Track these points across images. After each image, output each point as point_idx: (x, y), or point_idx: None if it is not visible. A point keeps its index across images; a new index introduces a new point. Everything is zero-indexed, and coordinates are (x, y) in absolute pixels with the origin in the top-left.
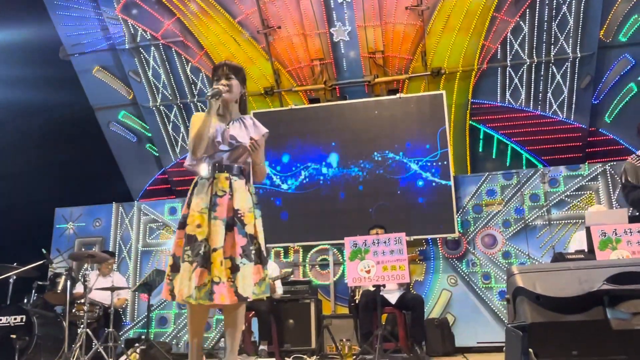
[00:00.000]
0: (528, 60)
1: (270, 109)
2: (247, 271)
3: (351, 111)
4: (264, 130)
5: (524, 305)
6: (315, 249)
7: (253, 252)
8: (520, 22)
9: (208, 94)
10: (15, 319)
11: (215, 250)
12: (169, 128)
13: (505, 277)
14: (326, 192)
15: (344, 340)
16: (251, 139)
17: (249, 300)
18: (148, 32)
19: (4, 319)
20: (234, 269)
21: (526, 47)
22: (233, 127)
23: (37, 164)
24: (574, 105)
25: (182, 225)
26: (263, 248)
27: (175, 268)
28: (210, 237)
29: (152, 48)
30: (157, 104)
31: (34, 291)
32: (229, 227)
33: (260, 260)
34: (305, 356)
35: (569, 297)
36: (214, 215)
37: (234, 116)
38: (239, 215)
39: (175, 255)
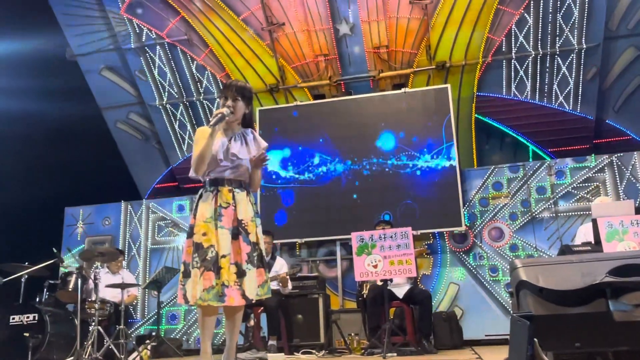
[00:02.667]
0: (533, 52)
1: (276, 105)
2: (252, 275)
3: (356, 106)
4: (264, 144)
5: (527, 298)
6: (322, 244)
7: (255, 257)
8: (525, 14)
9: (211, 122)
10: (28, 317)
11: (224, 256)
12: (176, 126)
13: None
14: (332, 188)
15: (352, 334)
16: (253, 157)
17: (252, 302)
18: (153, 31)
19: (17, 318)
20: (241, 274)
21: (531, 39)
22: (235, 144)
23: (46, 164)
24: (580, 97)
25: (190, 234)
26: (264, 253)
27: (186, 274)
28: (217, 245)
29: (158, 47)
30: (164, 102)
31: (45, 290)
32: (235, 235)
33: (262, 264)
34: (314, 351)
35: (571, 289)
36: (219, 224)
37: (236, 130)
38: (243, 225)
39: (186, 262)
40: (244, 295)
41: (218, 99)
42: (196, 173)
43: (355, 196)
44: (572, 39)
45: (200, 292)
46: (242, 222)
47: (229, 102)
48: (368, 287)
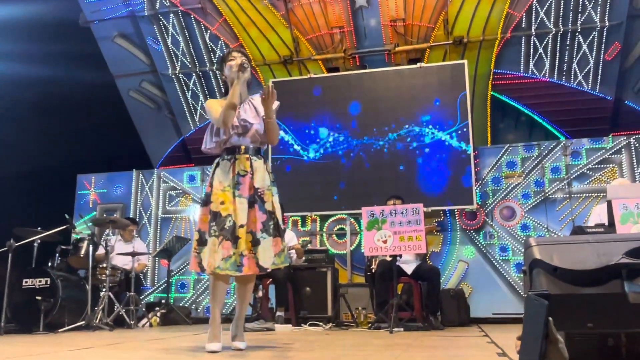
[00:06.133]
0: (554, 29)
1: (289, 77)
2: (266, 244)
3: (371, 80)
4: (276, 103)
5: (540, 277)
6: (332, 218)
7: (272, 226)
8: None
9: (237, 67)
10: (40, 281)
11: (242, 226)
12: (188, 96)
13: (523, 250)
14: (344, 162)
15: (360, 308)
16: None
17: (268, 270)
18: None
19: (29, 281)
20: (255, 243)
21: (552, 16)
22: (243, 111)
23: (59, 131)
24: (599, 76)
25: (206, 202)
26: (280, 222)
27: (201, 242)
28: (235, 214)
29: (171, 15)
30: (177, 71)
31: (57, 255)
32: (251, 204)
33: (279, 233)
34: (321, 323)
35: (586, 269)
36: (237, 193)
37: (243, 98)
38: (259, 193)
39: (201, 231)
40: (258, 264)
41: (219, 68)
42: (225, 125)
43: (366, 171)
44: (594, 16)
45: (219, 260)
46: (259, 190)
47: (241, 58)
48: (377, 262)
